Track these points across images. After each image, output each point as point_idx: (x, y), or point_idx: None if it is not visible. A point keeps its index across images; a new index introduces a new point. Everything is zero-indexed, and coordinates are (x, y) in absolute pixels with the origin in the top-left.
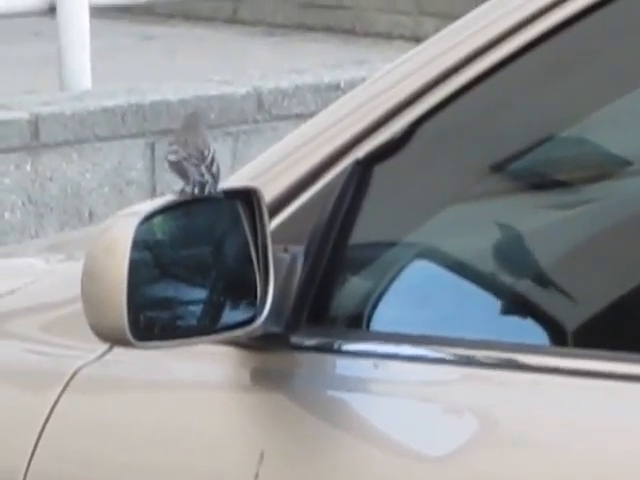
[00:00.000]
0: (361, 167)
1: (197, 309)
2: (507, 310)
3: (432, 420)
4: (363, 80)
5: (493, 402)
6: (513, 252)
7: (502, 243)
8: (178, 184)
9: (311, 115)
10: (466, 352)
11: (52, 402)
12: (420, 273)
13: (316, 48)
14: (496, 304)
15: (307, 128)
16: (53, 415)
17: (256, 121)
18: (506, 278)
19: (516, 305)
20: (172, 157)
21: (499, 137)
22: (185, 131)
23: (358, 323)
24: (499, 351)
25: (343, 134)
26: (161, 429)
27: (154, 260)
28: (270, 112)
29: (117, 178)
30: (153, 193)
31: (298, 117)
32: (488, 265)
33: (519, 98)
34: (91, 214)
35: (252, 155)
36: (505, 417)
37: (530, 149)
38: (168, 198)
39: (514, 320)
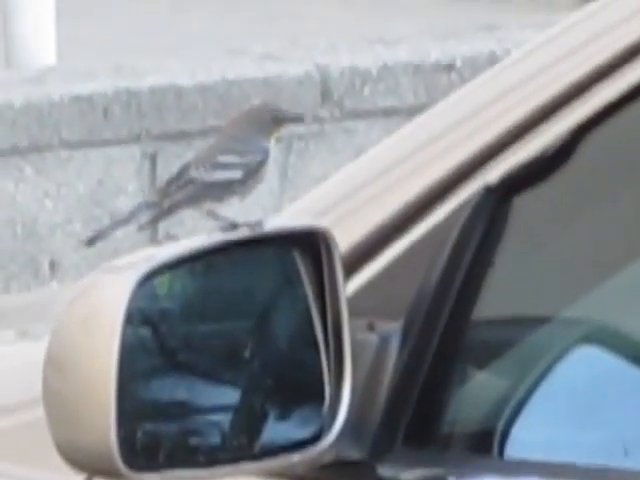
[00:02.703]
0: (495, 198)
1: (226, 421)
2: None
3: None
4: (492, 57)
5: None
6: None
7: None
8: (193, 218)
9: (409, 111)
10: None
11: None
12: (590, 369)
13: (417, 5)
14: None
15: (401, 139)
16: None
17: (320, 119)
18: None
19: None
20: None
21: None
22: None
23: (487, 447)
24: None
25: (461, 148)
26: None
27: (158, 342)
28: (342, 105)
29: (97, 207)
30: (155, 234)
31: (387, 115)
32: None
33: None
34: (54, 265)
35: (313, 174)
36: None
37: None
38: (183, 244)
39: None
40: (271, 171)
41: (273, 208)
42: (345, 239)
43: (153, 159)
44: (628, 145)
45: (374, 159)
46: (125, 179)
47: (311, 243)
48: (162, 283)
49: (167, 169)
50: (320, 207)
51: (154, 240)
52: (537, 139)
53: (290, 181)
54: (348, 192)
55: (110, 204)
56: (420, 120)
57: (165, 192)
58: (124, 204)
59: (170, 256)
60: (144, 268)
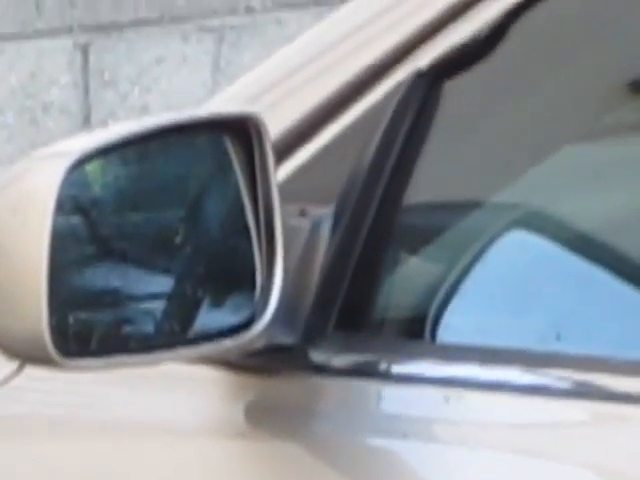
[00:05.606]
0: (425, 83)
1: (159, 308)
2: None
3: None
4: None
5: None
6: None
7: None
8: (125, 108)
9: (340, 0)
10: (599, 379)
11: None
12: (520, 253)
13: None
14: None
15: (332, 25)
16: None
17: (251, 10)
18: None
19: None
20: None
21: None
22: None
23: (419, 332)
24: None
25: (391, 33)
26: None
27: (91, 231)
28: None
29: (29, 100)
30: (86, 123)
31: (318, 4)
32: (635, 242)
33: None
34: None
35: (245, 66)
36: None
37: None
38: (115, 130)
39: None
40: (202, 63)
41: (205, 100)
42: (277, 124)
43: (85, 51)
44: (561, 28)
45: (305, 45)
46: (57, 71)
47: (242, 129)
48: (94, 170)
49: (99, 61)
50: (251, 93)
51: (85, 128)
52: (469, 22)
53: (222, 73)
54: (279, 78)
55: (42, 96)
56: (350, 7)
57: None
58: (56, 96)
59: (102, 142)
60: (75, 154)
